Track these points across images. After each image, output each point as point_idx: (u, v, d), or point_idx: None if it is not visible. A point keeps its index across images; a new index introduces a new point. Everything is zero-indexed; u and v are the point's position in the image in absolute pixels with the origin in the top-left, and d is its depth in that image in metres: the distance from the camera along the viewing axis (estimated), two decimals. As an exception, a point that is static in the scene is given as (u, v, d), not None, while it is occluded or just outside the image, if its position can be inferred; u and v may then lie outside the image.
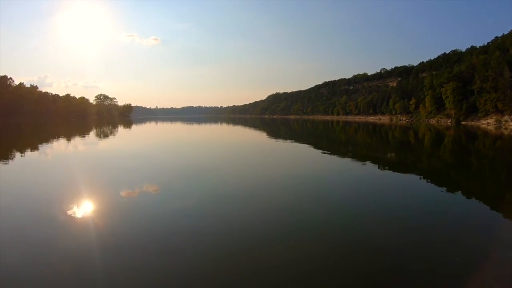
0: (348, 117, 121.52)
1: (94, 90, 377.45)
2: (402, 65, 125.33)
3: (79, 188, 10.60)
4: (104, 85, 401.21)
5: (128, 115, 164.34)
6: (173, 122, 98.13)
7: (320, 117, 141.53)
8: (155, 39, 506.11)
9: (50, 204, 8.78)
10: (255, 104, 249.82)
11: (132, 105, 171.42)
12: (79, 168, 14.73)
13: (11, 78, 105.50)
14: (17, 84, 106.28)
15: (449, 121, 63.39)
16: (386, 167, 14.79)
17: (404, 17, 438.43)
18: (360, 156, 19.36)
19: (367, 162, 16.41)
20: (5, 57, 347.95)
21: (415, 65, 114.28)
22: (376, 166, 15.26)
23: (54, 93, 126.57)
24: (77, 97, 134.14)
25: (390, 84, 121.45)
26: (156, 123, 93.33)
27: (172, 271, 5.11)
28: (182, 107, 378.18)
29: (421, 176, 12.44)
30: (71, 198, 9.26)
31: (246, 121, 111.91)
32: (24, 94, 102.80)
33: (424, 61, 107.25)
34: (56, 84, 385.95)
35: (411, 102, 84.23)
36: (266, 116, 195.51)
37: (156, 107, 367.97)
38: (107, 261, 5.47)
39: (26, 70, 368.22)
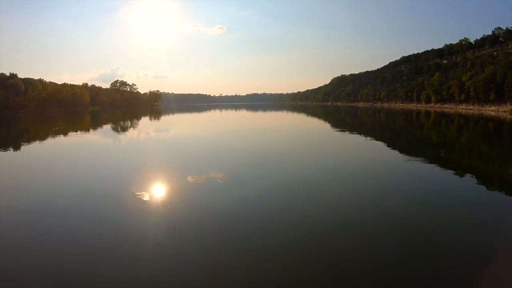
0: (445, 105, 75.68)
1: (164, 80, 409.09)
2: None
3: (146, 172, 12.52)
4: (174, 75, 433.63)
5: (155, 104, 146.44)
6: (238, 110, 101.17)
7: (398, 105, 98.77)
8: (220, 27, 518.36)
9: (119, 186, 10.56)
10: (318, 89, 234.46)
11: (195, 93, 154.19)
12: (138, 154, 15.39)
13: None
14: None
15: None
16: (499, 188, 10.86)
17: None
18: (458, 166, 14.79)
19: (466, 175, 12.74)
20: (83, 52, 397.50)
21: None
22: (481, 182, 11.25)
23: (42, 79, 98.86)
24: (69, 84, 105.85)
25: (516, 50, 70.83)
26: (221, 110, 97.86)
27: (229, 255, 5.57)
28: (247, 94, 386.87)
29: None
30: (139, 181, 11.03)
31: (307, 109, 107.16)
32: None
33: None
34: (127, 75, 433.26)
35: None
36: (329, 103, 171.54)
37: (221, 94, 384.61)
38: (166, 241, 6.17)
39: (99, 64, 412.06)
